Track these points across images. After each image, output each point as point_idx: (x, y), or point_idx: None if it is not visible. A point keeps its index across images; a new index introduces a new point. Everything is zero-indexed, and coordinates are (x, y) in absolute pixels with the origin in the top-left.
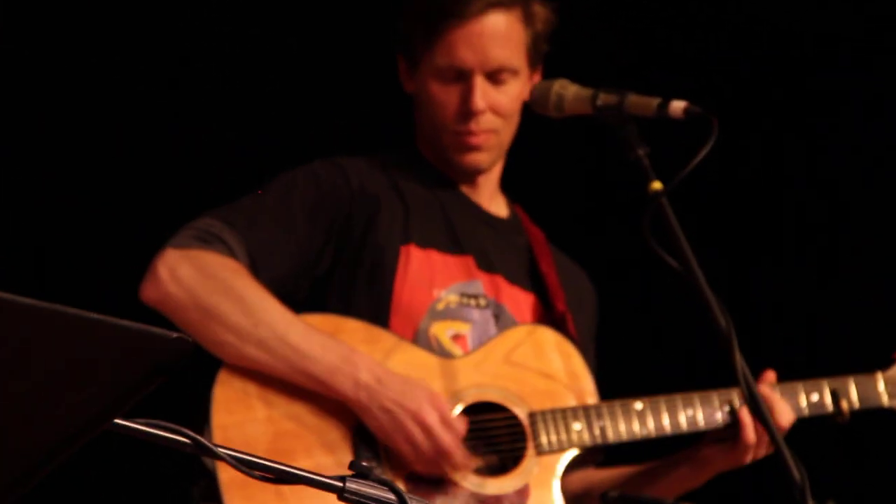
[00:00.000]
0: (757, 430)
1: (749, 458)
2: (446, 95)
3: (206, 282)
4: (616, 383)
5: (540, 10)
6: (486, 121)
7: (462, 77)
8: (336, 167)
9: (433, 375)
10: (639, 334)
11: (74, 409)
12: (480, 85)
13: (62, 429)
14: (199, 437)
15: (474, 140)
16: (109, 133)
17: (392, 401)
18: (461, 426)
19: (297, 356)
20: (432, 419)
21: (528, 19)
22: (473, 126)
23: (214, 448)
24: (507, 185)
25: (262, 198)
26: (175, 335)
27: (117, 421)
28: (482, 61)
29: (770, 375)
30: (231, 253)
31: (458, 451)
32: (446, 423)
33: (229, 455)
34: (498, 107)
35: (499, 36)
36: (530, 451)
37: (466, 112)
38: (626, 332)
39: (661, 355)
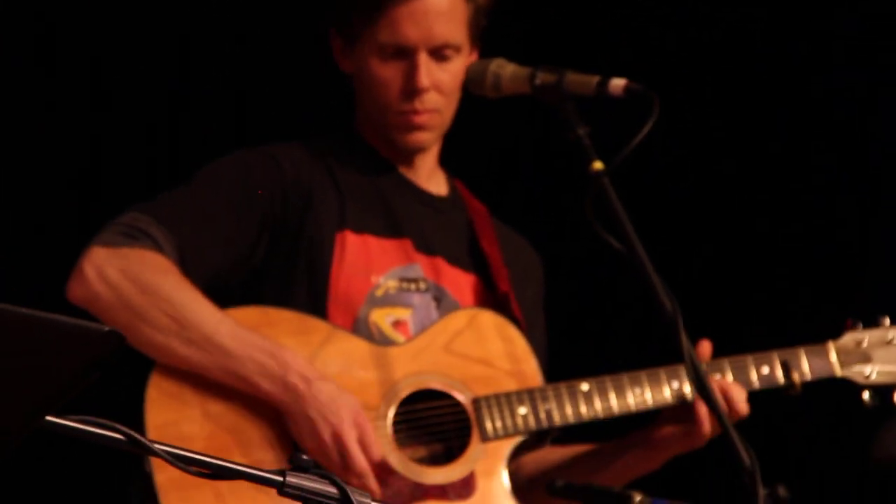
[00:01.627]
0: (711, 417)
1: (705, 442)
2: (389, 73)
3: (133, 281)
4: (563, 363)
5: None
6: (430, 99)
7: (405, 54)
8: (267, 156)
9: (370, 365)
10: (584, 313)
11: (5, 406)
12: (425, 62)
13: None
14: (133, 432)
15: (418, 119)
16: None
17: (315, 409)
18: (378, 452)
19: (224, 357)
20: (349, 437)
21: None
22: (418, 105)
23: (149, 444)
24: (449, 162)
25: (192, 190)
26: (107, 329)
27: (49, 418)
28: (426, 38)
29: (705, 345)
30: (159, 249)
31: (369, 475)
32: (364, 444)
33: (164, 451)
34: (441, 85)
35: (443, 12)
36: (475, 437)
37: (411, 90)
38: (571, 311)
39: (607, 333)
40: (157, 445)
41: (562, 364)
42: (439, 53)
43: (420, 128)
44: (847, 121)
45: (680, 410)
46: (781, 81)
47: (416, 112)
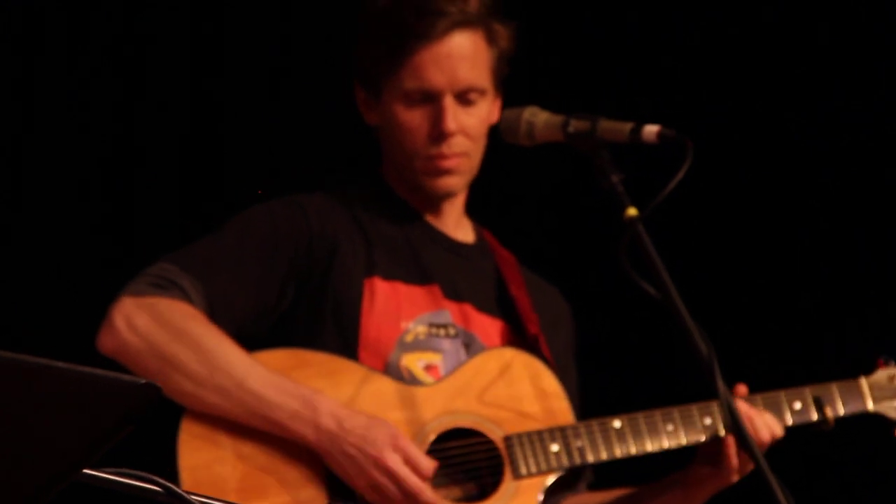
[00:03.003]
0: (740, 454)
1: (736, 479)
2: (415, 120)
3: (162, 330)
4: (595, 403)
5: (501, 30)
6: (458, 143)
7: (430, 100)
8: (294, 206)
9: (403, 405)
10: (617, 355)
11: (41, 460)
12: (451, 106)
13: (29, 482)
14: (170, 484)
15: (447, 164)
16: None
17: (353, 446)
18: (428, 464)
19: (256, 402)
20: (395, 463)
21: (491, 39)
22: (445, 149)
23: (187, 496)
24: (478, 211)
25: (219, 240)
26: (143, 381)
27: (86, 471)
28: (451, 82)
29: (741, 389)
30: (188, 298)
31: (425, 492)
32: (411, 463)
33: (202, 502)
34: (468, 129)
35: (466, 56)
36: (507, 475)
37: (438, 135)
38: (604, 353)
39: (639, 373)
40: (194, 497)
41: (592, 405)
42: (464, 97)
43: (448, 172)
44: (877, 161)
45: (712, 447)
46: (815, 122)
47: (443, 156)
